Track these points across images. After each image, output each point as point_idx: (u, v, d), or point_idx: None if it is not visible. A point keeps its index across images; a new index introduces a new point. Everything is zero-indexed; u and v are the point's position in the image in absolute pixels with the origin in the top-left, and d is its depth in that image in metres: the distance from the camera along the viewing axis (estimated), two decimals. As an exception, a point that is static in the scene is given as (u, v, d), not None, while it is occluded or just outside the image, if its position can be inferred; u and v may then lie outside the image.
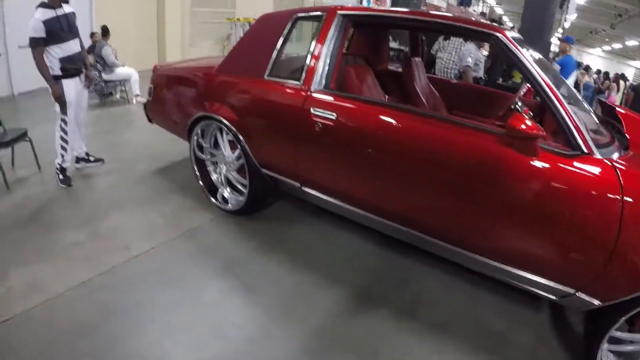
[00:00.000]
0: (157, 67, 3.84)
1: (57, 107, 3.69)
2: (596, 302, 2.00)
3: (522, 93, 3.32)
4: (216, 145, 3.43)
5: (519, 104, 3.16)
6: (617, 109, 2.92)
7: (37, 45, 3.44)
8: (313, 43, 2.81)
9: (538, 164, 2.01)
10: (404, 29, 3.96)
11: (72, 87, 3.73)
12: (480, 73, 6.32)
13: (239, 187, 3.45)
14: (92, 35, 6.88)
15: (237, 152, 3.20)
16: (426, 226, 2.49)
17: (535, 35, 7.27)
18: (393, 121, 2.45)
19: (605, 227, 1.86)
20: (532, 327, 2.55)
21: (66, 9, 3.59)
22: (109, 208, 3.45)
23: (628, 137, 2.41)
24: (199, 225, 3.29)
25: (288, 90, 2.82)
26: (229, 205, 3.42)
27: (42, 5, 3.46)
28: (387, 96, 3.42)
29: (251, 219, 3.41)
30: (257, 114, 3.00)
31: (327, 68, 2.77)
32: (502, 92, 3.86)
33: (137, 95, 6.84)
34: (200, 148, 3.46)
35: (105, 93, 6.91)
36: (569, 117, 2.02)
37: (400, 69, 3.88)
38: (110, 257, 2.85)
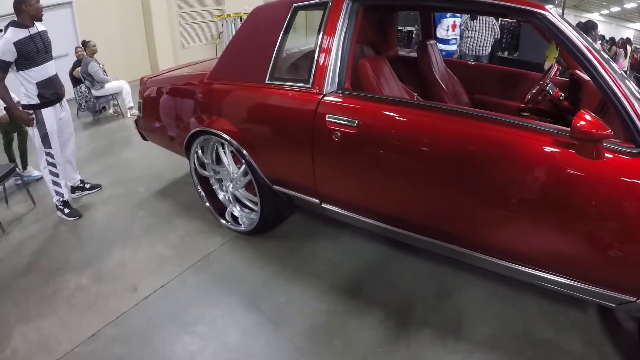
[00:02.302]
0: (144, 79, 3.48)
1: (38, 141, 3.37)
2: None
3: (552, 74, 2.99)
4: (218, 160, 3.10)
5: (550, 84, 2.88)
6: None
7: (1, 69, 3.11)
8: (320, 36, 2.41)
9: (602, 166, 1.71)
10: (431, 10, 3.55)
11: (53, 116, 3.39)
12: None
13: (249, 204, 3.13)
14: (77, 49, 6.57)
15: (243, 167, 2.86)
16: (482, 244, 2.15)
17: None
18: (430, 124, 2.09)
19: None
20: (581, 331, 2.32)
21: (39, 27, 3.24)
22: (111, 243, 3.15)
23: None
24: (211, 252, 2.97)
25: (296, 95, 2.45)
26: (242, 225, 3.09)
27: (13, 24, 3.12)
28: (415, 94, 3.04)
29: (267, 239, 3.09)
30: (261, 125, 2.64)
31: (339, 65, 2.37)
32: (523, 71, 3.52)
33: (131, 108, 6.52)
34: (202, 164, 3.14)
35: (97, 109, 6.62)
36: (633, 110, 1.70)
37: (411, 54, 3.55)
38: (118, 301, 2.56)
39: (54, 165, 3.45)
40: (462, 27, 6.62)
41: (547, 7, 1.96)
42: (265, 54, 2.59)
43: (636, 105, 1.73)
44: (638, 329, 2.15)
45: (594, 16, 31.45)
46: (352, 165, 2.36)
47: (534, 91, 3.01)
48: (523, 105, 3.22)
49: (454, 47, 6.94)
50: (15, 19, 3.14)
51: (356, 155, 2.30)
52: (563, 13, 12.08)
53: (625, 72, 10.96)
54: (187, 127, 2.97)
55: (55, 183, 3.49)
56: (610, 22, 31.46)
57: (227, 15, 10.68)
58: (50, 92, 3.34)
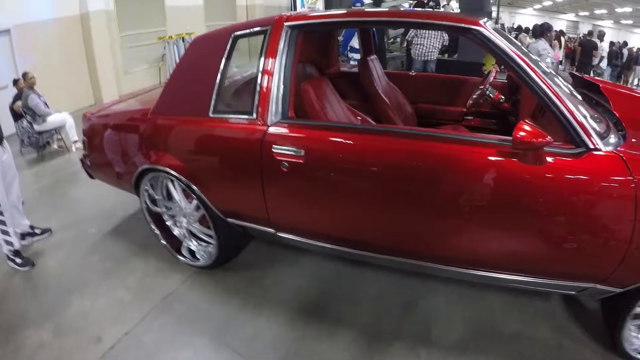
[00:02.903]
0: (87, 115, 3.34)
1: None
2: (617, 290, 1.96)
3: (490, 79, 3.11)
4: (169, 195, 3.02)
5: (489, 89, 2.99)
6: (592, 81, 2.77)
7: None
8: (260, 65, 2.40)
9: (545, 171, 1.83)
10: (370, 27, 3.64)
11: None
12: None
13: (206, 238, 3.07)
14: (16, 82, 6.26)
15: (195, 202, 2.81)
16: (436, 255, 2.24)
17: (476, 8, 7.43)
18: (377, 148, 2.14)
19: (622, 221, 1.79)
20: (547, 319, 2.48)
21: None
22: (68, 292, 2.99)
23: (617, 114, 2.25)
24: (172, 291, 2.89)
25: (240, 128, 2.42)
26: (200, 260, 3.03)
27: None
28: (359, 117, 3.07)
29: (227, 271, 3.04)
30: (209, 160, 2.61)
31: (282, 94, 2.36)
32: (463, 77, 3.66)
33: (76, 142, 6.26)
34: (154, 201, 3.06)
35: (41, 145, 6.32)
36: (570, 113, 1.84)
37: (353, 70, 3.61)
38: (83, 355, 2.45)
39: (1, 213, 3.25)
40: (412, 34, 7.10)
41: (481, 21, 2.04)
42: (207, 87, 2.56)
43: (571, 107, 1.85)
44: (601, 308, 2.31)
45: (528, 11, 33.04)
46: (303, 194, 2.38)
47: (474, 96, 3.12)
48: (466, 110, 3.33)
49: None
50: None
51: (306, 184, 2.32)
52: (498, 12, 12.57)
53: (561, 62, 11.64)
54: (134, 165, 2.89)
55: (3, 232, 3.27)
56: (543, 15, 32.93)
57: (169, 37, 10.52)
58: None
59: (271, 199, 2.44)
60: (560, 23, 30.37)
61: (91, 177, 3.57)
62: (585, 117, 1.88)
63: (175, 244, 3.15)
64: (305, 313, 2.62)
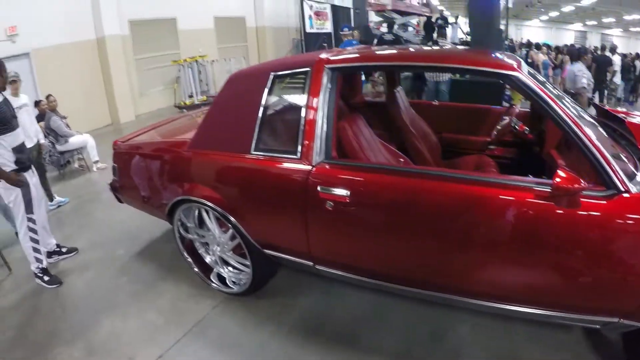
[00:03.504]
0: (117, 143, 3.43)
1: (21, 208, 3.27)
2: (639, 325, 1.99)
3: (516, 110, 3.20)
4: (202, 223, 3.08)
5: (515, 120, 3.08)
6: (621, 115, 2.81)
7: None
8: (303, 104, 2.47)
9: (578, 213, 1.90)
10: (409, 72, 3.76)
11: (31, 181, 3.32)
12: (591, 93, 6.86)
13: (239, 266, 3.13)
14: (38, 103, 6.41)
15: (230, 232, 2.87)
16: (471, 291, 2.29)
17: (485, 24, 7.50)
18: (420, 188, 2.21)
19: None
20: (569, 349, 2.50)
21: (5, 93, 3.23)
22: (97, 312, 3.06)
23: None
24: (204, 316, 2.94)
25: (285, 168, 2.48)
26: (234, 288, 3.08)
27: None
28: (401, 159, 3.11)
29: (258, 298, 3.09)
30: (249, 196, 2.67)
31: (325, 135, 2.42)
32: (485, 107, 3.75)
33: (97, 162, 6.44)
34: (186, 228, 3.13)
35: (62, 164, 6.46)
36: (603, 158, 1.91)
37: (376, 99, 3.70)
38: (117, 377, 2.50)
39: (35, 232, 3.37)
40: None
41: (516, 66, 2.15)
42: (248, 124, 2.62)
43: (604, 151, 1.92)
44: (622, 339, 2.36)
45: (534, 23, 32.63)
46: (346, 231, 2.43)
47: (499, 127, 3.18)
48: (490, 140, 3.40)
49: None
50: None
51: (350, 222, 2.38)
52: (507, 27, 12.71)
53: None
54: (170, 194, 2.97)
55: (35, 250, 3.39)
56: (550, 26, 32.75)
57: (183, 60, 10.74)
58: (25, 157, 3.30)
59: (314, 235, 2.49)
60: (568, 34, 30.21)
61: (120, 201, 3.65)
62: (615, 159, 1.94)
63: (207, 270, 3.20)
64: (338, 340, 2.67)
